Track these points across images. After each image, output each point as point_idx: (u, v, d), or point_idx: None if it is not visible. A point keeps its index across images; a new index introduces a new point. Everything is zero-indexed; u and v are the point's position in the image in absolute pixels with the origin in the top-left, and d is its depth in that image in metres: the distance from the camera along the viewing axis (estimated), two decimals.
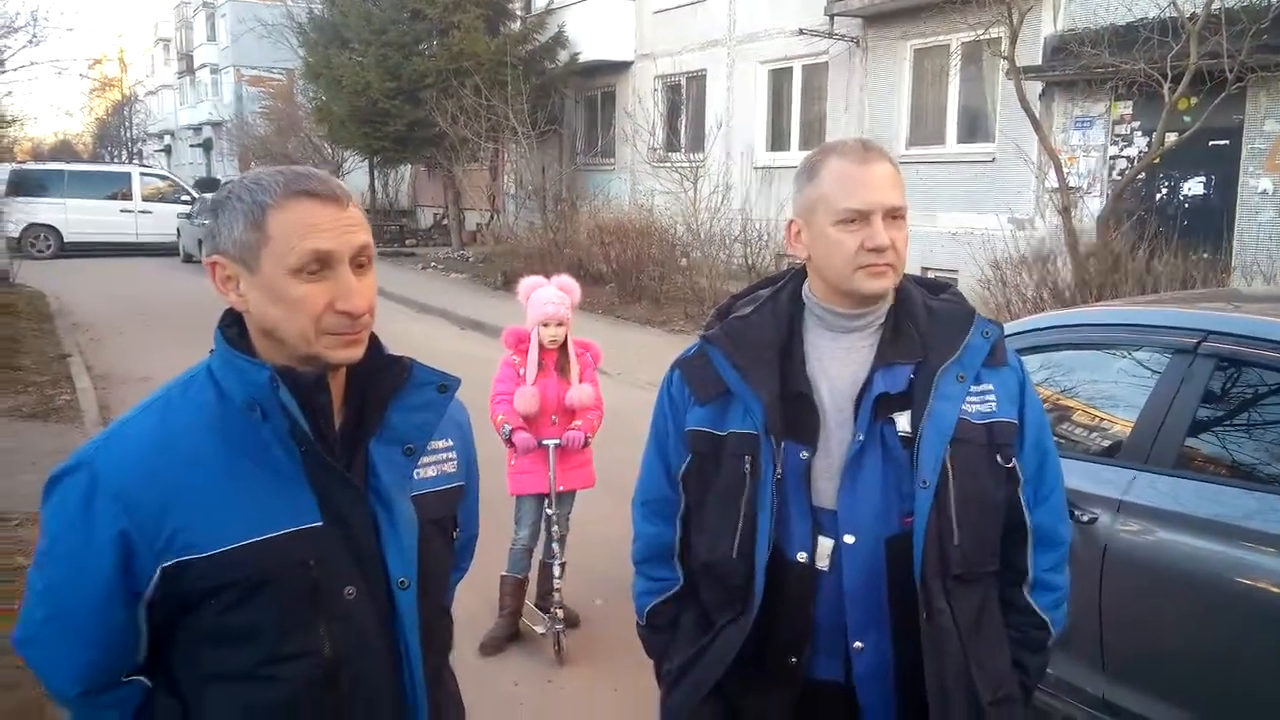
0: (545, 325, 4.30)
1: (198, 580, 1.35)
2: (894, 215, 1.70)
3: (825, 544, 1.72)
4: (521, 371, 4.34)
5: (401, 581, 1.44)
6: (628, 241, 14.53)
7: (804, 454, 1.72)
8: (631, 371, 9.68)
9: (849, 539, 1.70)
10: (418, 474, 1.51)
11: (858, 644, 1.71)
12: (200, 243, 20.24)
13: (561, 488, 4.33)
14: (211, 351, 1.45)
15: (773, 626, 1.75)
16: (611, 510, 5.19)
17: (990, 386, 1.76)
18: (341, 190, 1.40)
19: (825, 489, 1.73)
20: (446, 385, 1.53)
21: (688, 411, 1.85)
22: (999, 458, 1.75)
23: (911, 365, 1.73)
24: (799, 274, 1.88)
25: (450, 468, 1.59)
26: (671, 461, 1.90)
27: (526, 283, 4.48)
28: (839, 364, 1.77)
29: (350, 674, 1.41)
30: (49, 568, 1.40)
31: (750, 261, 13.75)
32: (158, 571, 1.35)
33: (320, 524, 1.39)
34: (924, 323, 1.77)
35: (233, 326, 1.44)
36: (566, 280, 4.49)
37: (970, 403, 1.73)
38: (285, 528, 1.37)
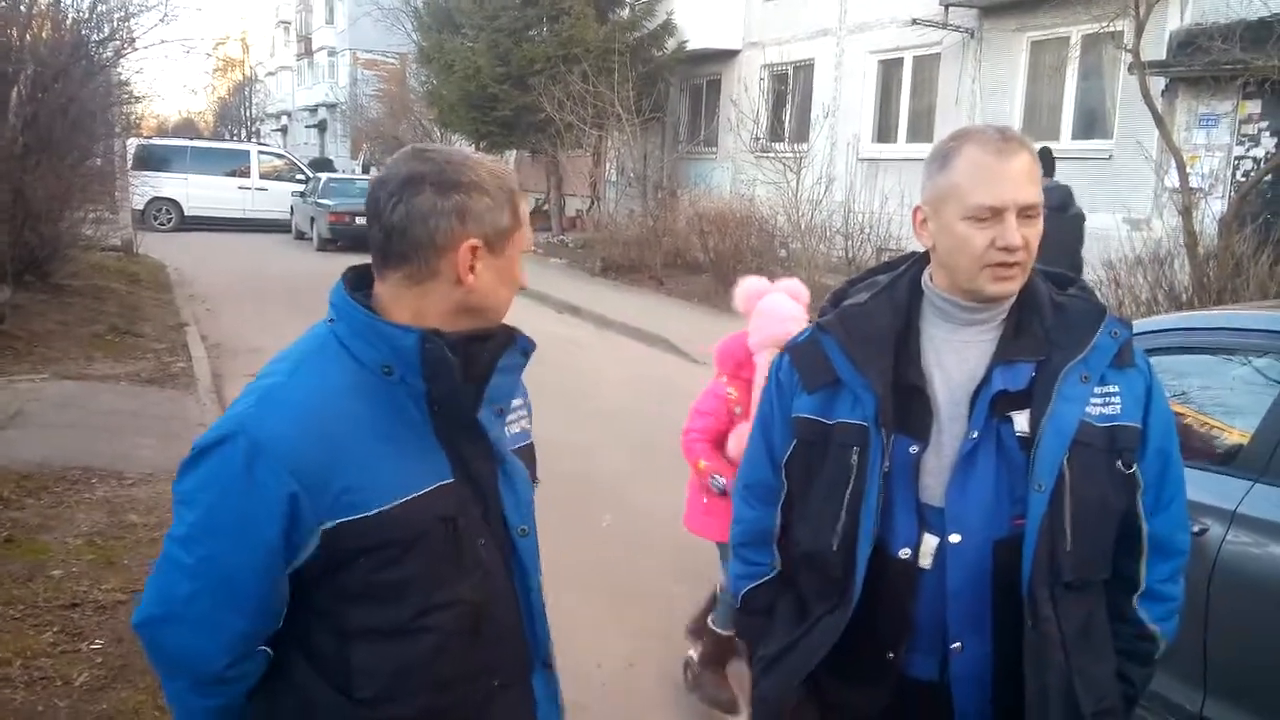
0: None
1: (357, 539, 1.39)
2: (1028, 213, 1.62)
3: (930, 541, 1.67)
4: (737, 410, 3.35)
5: (521, 530, 1.56)
6: (727, 231, 14.47)
7: (914, 449, 1.68)
8: None
9: (955, 538, 1.65)
10: (506, 431, 1.59)
11: (956, 645, 1.67)
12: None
13: None
14: (330, 320, 1.48)
15: (871, 621, 1.70)
16: None
17: (1116, 388, 1.68)
18: None
19: (934, 486, 1.68)
20: (527, 350, 1.59)
21: (795, 398, 1.81)
22: (1120, 463, 1.68)
23: (1033, 363, 1.66)
24: (919, 260, 1.82)
25: (525, 424, 1.69)
26: (776, 447, 1.86)
27: (750, 288, 3.39)
28: (956, 357, 1.71)
29: (490, 619, 1.51)
30: (206, 540, 1.38)
31: (851, 255, 13.55)
32: (318, 533, 1.38)
33: (452, 480, 1.47)
34: (1050, 319, 1.70)
35: (357, 291, 1.50)
36: (797, 287, 3.39)
37: (1093, 404, 1.66)
38: (429, 485, 1.44)
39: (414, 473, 1.43)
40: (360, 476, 1.39)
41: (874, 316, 1.75)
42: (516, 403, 1.64)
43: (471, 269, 1.44)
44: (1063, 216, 6.89)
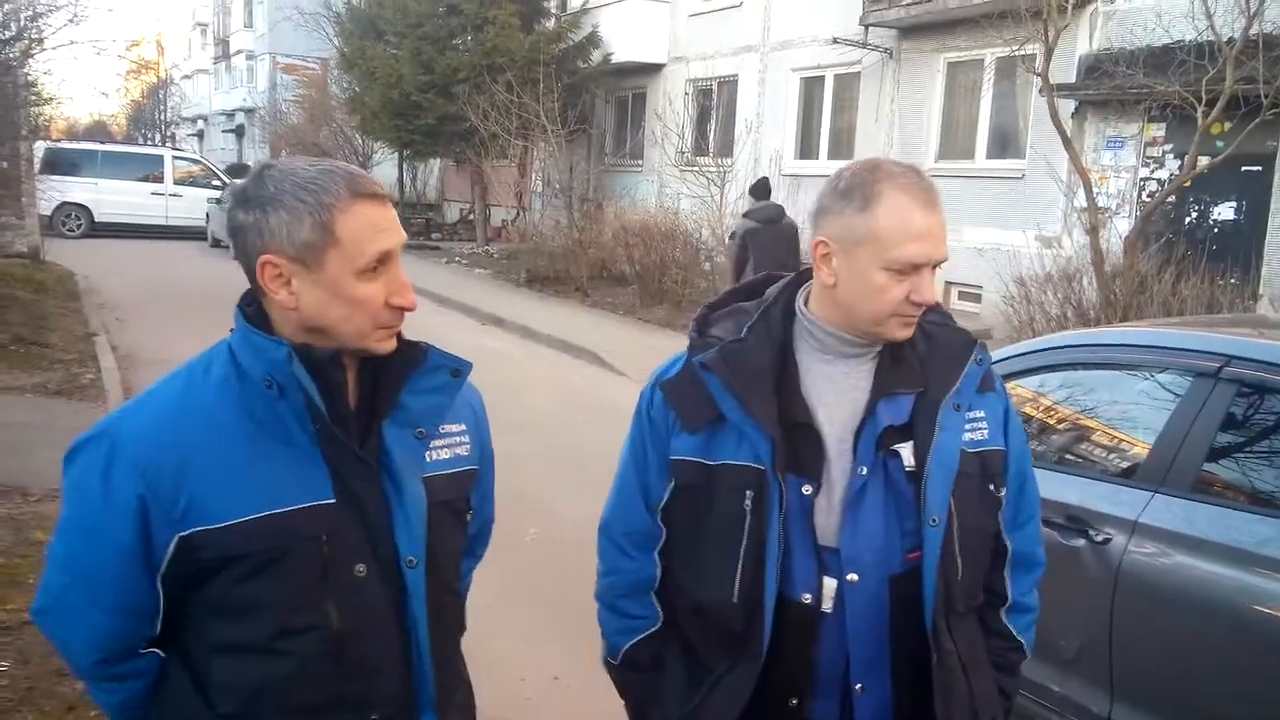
0: None
1: (211, 551, 1.37)
2: (938, 265, 1.60)
3: (830, 584, 1.61)
4: None
5: (410, 560, 1.46)
6: (652, 243, 14.55)
7: (807, 489, 1.61)
8: (649, 374, 9.64)
9: (852, 578, 1.60)
10: (430, 456, 1.53)
11: (859, 686, 1.62)
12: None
13: None
14: (232, 330, 1.46)
15: (772, 669, 1.64)
16: None
17: (981, 414, 1.69)
18: (385, 189, 1.46)
19: (826, 525, 1.62)
20: (459, 370, 1.55)
21: (672, 438, 1.71)
22: (991, 486, 1.70)
23: (913, 395, 1.64)
24: (790, 286, 1.74)
25: (463, 451, 1.60)
26: (652, 490, 1.76)
27: None
28: (836, 391, 1.65)
29: (357, 650, 1.43)
30: (70, 535, 1.43)
31: None
32: (174, 540, 1.37)
33: (333, 501, 1.41)
34: (922, 348, 1.68)
35: (251, 305, 1.46)
36: None
37: (965, 431, 1.66)
38: (299, 503, 1.39)
39: (283, 490, 1.38)
40: (212, 487, 1.36)
41: (755, 352, 1.66)
42: (455, 427, 1.58)
43: (288, 286, 1.38)
44: (777, 227, 9.26)
